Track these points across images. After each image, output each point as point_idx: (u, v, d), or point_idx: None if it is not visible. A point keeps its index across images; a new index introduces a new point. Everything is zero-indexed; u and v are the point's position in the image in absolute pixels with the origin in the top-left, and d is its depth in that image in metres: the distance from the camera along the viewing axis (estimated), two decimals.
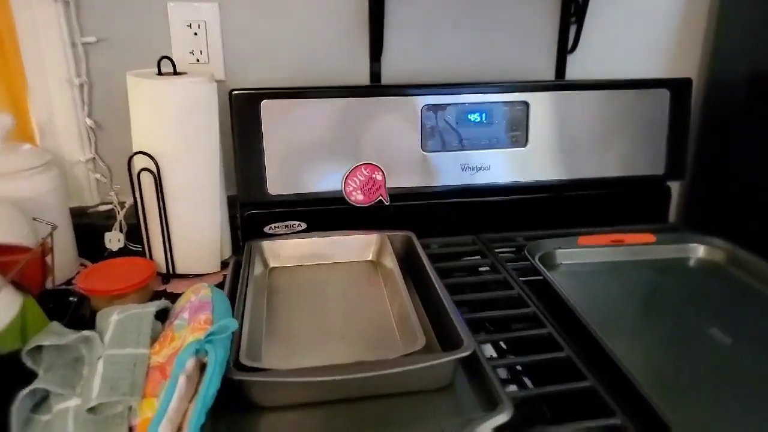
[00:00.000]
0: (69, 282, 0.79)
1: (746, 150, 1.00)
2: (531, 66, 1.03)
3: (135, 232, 0.86)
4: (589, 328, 0.63)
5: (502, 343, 0.68)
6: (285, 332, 0.66)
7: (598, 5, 1.01)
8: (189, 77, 0.77)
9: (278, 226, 0.88)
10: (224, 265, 0.84)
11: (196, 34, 0.89)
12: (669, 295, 0.78)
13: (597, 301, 0.75)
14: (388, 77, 0.98)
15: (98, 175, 0.93)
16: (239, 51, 0.92)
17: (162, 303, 0.61)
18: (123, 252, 0.89)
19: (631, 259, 0.87)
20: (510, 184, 0.94)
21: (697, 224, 1.03)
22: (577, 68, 1.04)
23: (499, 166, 0.93)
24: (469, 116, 0.91)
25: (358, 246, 0.84)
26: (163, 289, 0.79)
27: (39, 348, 0.54)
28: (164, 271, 0.81)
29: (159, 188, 0.77)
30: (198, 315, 0.55)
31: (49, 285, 0.72)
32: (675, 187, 1.03)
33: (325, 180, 0.87)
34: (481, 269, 0.84)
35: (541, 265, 0.79)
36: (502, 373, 0.62)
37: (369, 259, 0.84)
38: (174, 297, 0.74)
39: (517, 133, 0.93)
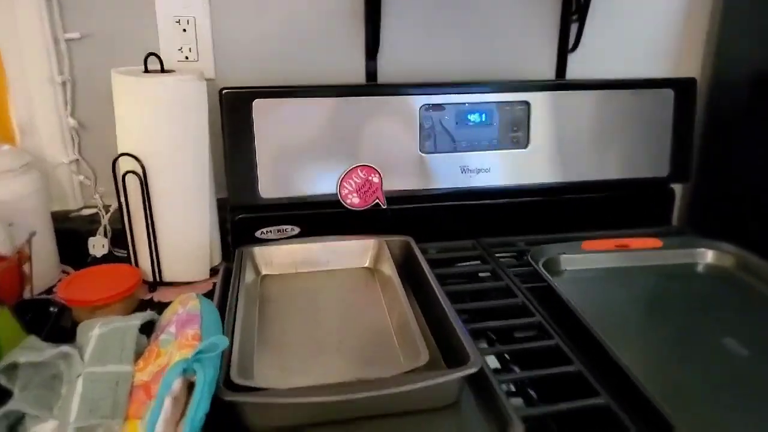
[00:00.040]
0: (50, 291, 0.77)
1: (749, 151, 0.99)
2: (531, 65, 1.01)
3: (120, 238, 0.83)
4: (600, 340, 0.60)
5: (506, 355, 0.66)
6: (278, 345, 0.63)
7: (600, 3, 0.99)
8: (177, 75, 0.75)
9: (270, 231, 0.85)
10: (214, 272, 0.82)
11: (185, 30, 0.87)
12: (679, 303, 0.76)
13: (604, 308, 0.73)
14: (384, 76, 0.96)
15: (81, 178, 0.91)
16: (230, 48, 0.90)
17: (147, 315, 0.59)
18: (108, 258, 0.88)
19: (638, 265, 0.85)
20: (511, 186, 0.92)
21: (700, 226, 1.02)
22: (577, 68, 1.03)
23: (499, 168, 0.91)
24: (468, 116, 0.89)
25: (354, 252, 0.82)
26: (149, 298, 0.77)
27: (15, 364, 0.51)
28: (150, 278, 0.79)
29: (145, 191, 0.75)
30: (185, 329, 0.52)
31: (27, 295, 0.70)
32: (677, 188, 1.01)
33: (319, 182, 0.85)
34: (481, 275, 0.82)
35: (545, 272, 0.76)
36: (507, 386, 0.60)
37: (366, 265, 0.82)
38: (161, 306, 0.72)
39: (518, 134, 0.91)
